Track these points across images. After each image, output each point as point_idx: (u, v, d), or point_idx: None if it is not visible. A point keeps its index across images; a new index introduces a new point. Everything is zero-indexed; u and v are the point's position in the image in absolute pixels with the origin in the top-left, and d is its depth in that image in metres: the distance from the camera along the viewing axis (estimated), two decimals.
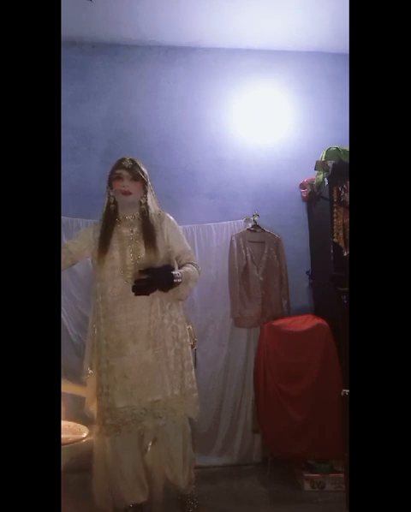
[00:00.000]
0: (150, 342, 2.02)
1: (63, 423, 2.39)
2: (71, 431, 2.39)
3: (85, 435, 2.32)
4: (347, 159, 2.85)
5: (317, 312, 3.16)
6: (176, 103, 3.43)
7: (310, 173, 3.17)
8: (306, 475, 2.63)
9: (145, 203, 2.13)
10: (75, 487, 2.47)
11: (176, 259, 2.15)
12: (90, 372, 2.13)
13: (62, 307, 2.99)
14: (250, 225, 3.23)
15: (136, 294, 1.97)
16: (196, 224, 3.21)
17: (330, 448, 2.55)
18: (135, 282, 1.98)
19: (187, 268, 2.11)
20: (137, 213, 2.13)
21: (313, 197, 3.24)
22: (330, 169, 2.94)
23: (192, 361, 2.13)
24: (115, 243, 2.08)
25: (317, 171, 3.10)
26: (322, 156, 3.06)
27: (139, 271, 1.99)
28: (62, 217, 2.95)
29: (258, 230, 3.22)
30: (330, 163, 2.94)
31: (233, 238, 3.17)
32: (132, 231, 2.10)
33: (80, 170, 3.26)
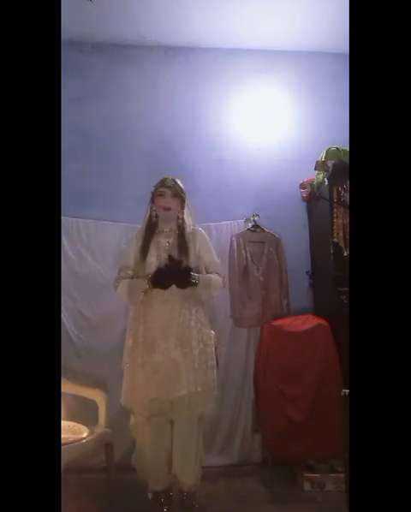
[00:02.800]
0: (178, 342, 2.22)
1: (63, 423, 2.39)
2: (71, 431, 2.39)
3: (85, 435, 2.32)
4: (347, 159, 2.85)
5: (317, 312, 3.15)
6: (176, 103, 3.43)
7: (310, 173, 3.17)
8: (306, 475, 2.63)
9: (182, 217, 2.40)
10: (75, 487, 2.47)
11: (205, 269, 2.40)
12: (127, 365, 2.30)
13: (62, 307, 2.99)
14: (250, 225, 3.23)
15: (153, 287, 2.21)
16: (196, 224, 3.21)
17: (330, 448, 2.55)
18: (154, 274, 2.22)
19: (212, 275, 2.35)
20: (174, 226, 2.40)
21: (313, 197, 3.24)
22: (330, 169, 2.94)
23: (215, 362, 2.31)
24: (152, 251, 2.33)
25: (317, 171, 3.10)
26: (322, 156, 3.06)
27: (157, 269, 2.22)
28: (62, 217, 2.96)
29: (258, 230, 3.22)
30: (330, 163, 2.94)
31: (233, 238, 3.17)
32: (168, 242, 2.36)
33: (80, 170, 3.26)
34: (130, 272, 2.39)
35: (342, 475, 2.47)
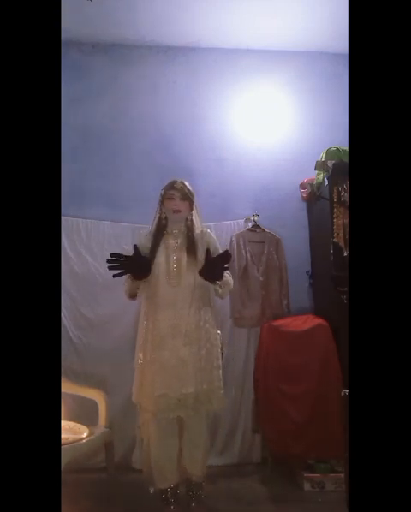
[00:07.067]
0: (186, 340, 2.26)
1: (63, 423, 2.39)
2: (71, 431, 2.39)
3: (85, 435, 2.32)
4: (347, 159, 2.85)
5: (317, 312, 3.16)
6: (176, 102, 3.43)
7: (310, 173, 3.17)
8: (306, 475, 2.63)
9: (191, 219, 2.44)
10: (75, 487, 2.47)
11: None
12: (140, 361, 2.33)
13: (62, 307, 2.99)
14: (250, 225, 3.23)
15: (205, 278, 2.21)
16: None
17: (330, 448, 2.55)
18: (206, 266, 2.19)
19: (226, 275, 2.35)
20: (183, 228, 2.43)
21: (313, 197, 3.24)
22: (330, 169, 2.94)
23: (220, 362, 2.35)
24: (161, 251, 2.36)
25: (317, 171, 3.10)
26: (322, 156, 3.06)
27: (206, 259, 2.19)
28: (62, 217, 2.96)
29: (258, 230, 3.22)
30: (330, 163, 2.95)
31: (233, 238, 3.17)
32: (177, 242, 2.39)
33: (80, 170, 3.26)
34: None
35: (342, 475, 2.47)
